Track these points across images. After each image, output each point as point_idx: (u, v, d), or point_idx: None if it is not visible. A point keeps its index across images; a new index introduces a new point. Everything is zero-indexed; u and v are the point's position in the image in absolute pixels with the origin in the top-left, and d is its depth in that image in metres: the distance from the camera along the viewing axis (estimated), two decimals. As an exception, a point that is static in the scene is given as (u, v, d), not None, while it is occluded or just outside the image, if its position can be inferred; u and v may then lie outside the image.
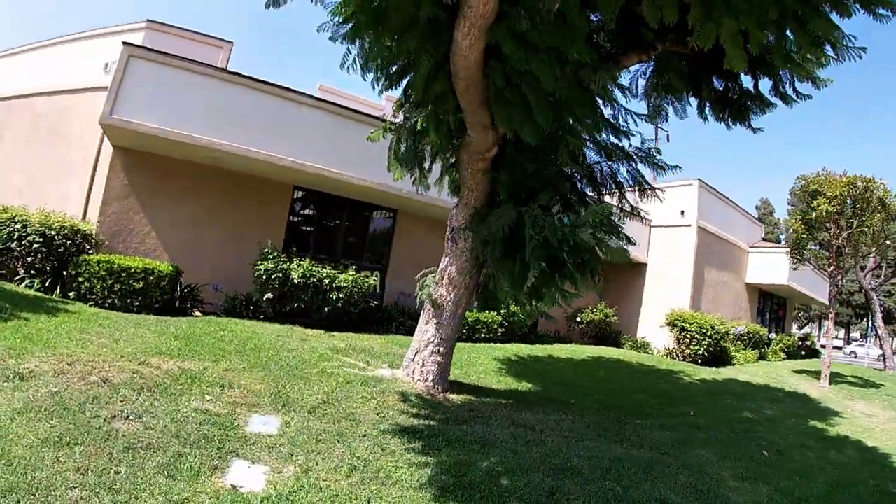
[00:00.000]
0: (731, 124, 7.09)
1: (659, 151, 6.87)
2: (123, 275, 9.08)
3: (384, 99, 16.92)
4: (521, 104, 5.13)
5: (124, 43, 9.72)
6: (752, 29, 4.46)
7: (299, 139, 10.75)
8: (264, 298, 10.26)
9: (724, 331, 17.15)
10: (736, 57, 4.71)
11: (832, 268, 15.97)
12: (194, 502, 3.57)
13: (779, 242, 34.95)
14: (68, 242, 9.51)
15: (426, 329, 7.05)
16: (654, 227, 19.57)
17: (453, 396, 7.10)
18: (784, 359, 22.99)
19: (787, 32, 4.91)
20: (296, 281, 10.25)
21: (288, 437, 4.87)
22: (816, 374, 17.89)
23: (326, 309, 10.69)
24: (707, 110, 7.05)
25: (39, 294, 8.93)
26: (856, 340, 68.84)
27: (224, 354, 7.02)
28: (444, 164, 7.19)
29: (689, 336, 16.57)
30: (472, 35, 4.76)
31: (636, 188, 7.23)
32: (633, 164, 7.00)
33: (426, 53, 5.03)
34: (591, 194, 7.24)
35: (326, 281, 10.61)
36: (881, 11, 4.69)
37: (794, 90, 6.40)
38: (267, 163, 10.54)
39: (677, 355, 17.11)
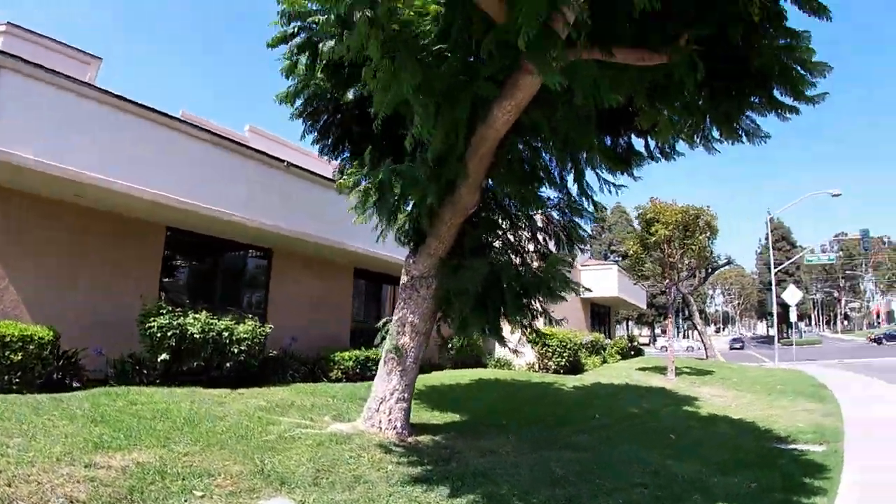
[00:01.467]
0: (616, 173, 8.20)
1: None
2: None
3: (247, 131, 16.69)
4: (523, 174, 5.81)
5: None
6: (683, 116, 5.57)
7: (172, 170, 10.07)
8: (159, 359, 9.39)
9: (578, 342, 19.19)
10: (664, 131, 5.78)
11: (667, 280, 19.10)
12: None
13: (606, 259, 40.27)
14: None
15: (390, 378, 7.34)
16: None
17: (419, 438, 7.50)
18: (619, 359, 26.39)
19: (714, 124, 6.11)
20: (196, 337, 9.59)
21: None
22: (658, 370, 20.78)
23: (228, 364, 10.18)
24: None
25: None
26: (660, 336, 79.31)
27: (163, 436, 6.52)
28: (408, 216, 7.38)
29: (551, 350, 18.29)
30: (511, 112, 5.32)
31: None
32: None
33: (460, 123, 5.43)
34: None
35: (226, 334, 10.06)
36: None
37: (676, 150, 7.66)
38: (153, 202, 9.74)
39: (540, 368, 18.83)
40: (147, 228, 11.05)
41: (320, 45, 7.07)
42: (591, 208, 7.60)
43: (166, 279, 11.58)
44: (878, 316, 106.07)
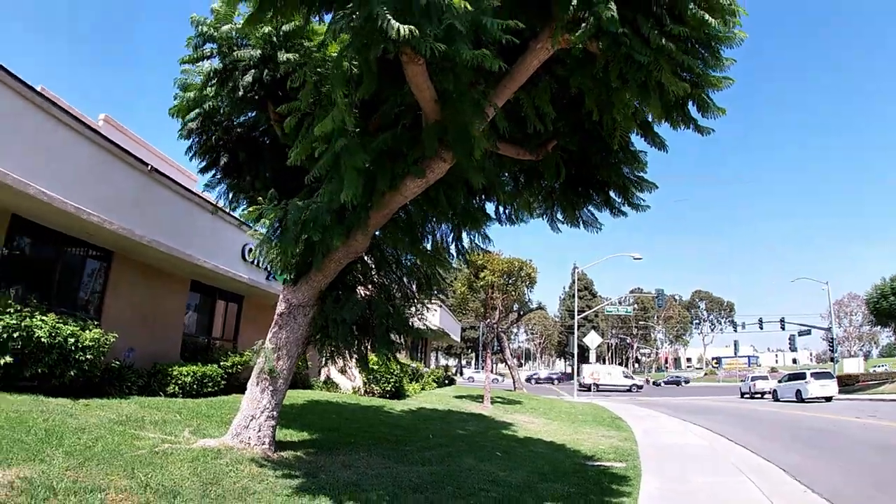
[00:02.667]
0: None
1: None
2: None
3: (101, 120, 16.14)
4: (411, 229, 7.08)
5: None
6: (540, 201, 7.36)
7: (33, 154, 9.60)
8: (1, 363, 8.92)
9: (404, 368, 20.75)
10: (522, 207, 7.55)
11: (487, 319, 22.20)
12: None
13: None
14: None
15: (261, 397, 8.06)
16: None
17: (283, 454, 8.27)
18: (436, 387, 28.37)
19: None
20: (44, 341, 9.33)
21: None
22: (472, 398, 22.99)
23: (72, 373, 9.97)
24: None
25: None
26: (466, 367, 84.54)
27: (33, 449, 6.45)
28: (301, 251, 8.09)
29: (378, 376, 19.60)
30: (421, 187, 6.55)
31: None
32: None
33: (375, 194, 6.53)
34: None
35: (72, 340, 9.86)
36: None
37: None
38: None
39: (366, 392, 20.07)
40: None
41: (236, 74, 7.87)
42: (453, 260, 9.07)
43: (2, 271, 10.78)
44: (665, 361, 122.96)
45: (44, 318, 9.70)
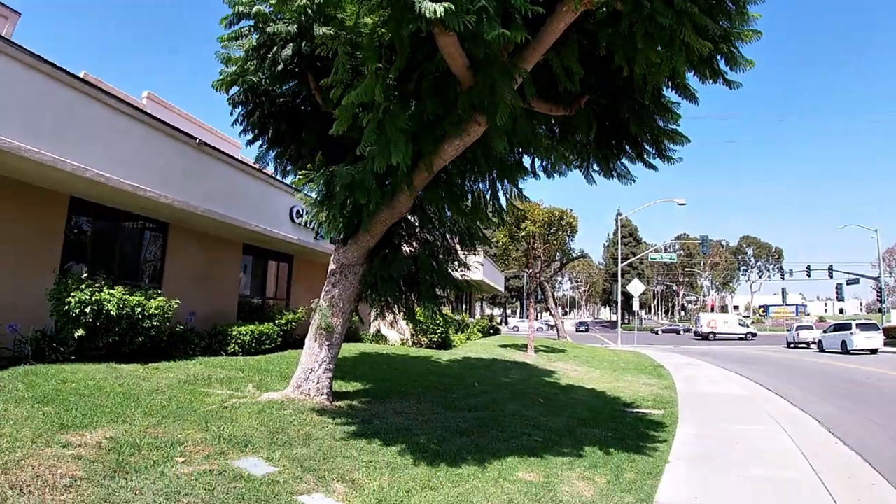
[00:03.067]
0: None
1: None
2: None
3: (144, 97, 16.81)
4: (450, 189, 7.50)
5: None
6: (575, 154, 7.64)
7: (90, 140, 10.07)
8: (76, 335, 9.67)
9: (449, 321, 21.42)
10: (558, 161, 7.87)
11: (529, 269, 22.54)
12: None
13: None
14: None
15: (318, 351, 8.71)
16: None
17: (340, 403, 8.97)
18: (481, 337, 29.09)
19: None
20: (113, 313, 10.05)
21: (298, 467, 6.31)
22: (517, 347, 23.65)
23: (140, 340, 10.79)
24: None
25: None
26: (510, 317, 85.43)
27: (114, 412, 7.04)
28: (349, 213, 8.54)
29: (425, 327, 20.29)
30: (459, 148, 6.98)
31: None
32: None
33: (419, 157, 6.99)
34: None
35: (138, 310, 10.61)
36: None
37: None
38: (60, 170, 9.49)
39: (414, 343, 20.83)
40: (50, 198, 10.98)
41: (275, 48, 8.29)
42: (493, 215, 9.47)
43: (67, 250, 11.47)
44: (712, 309, 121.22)
45: (112, 291, 10.38)
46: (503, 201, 9.21)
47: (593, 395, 13.03)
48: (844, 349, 33.72)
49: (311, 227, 16.25)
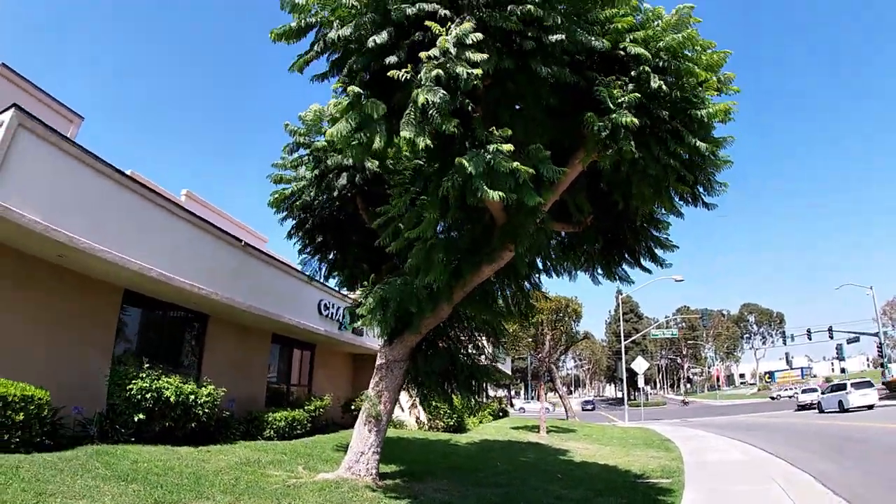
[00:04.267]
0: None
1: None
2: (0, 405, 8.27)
3: (183, 195, 18.45)
4: (484, 299, 9.06)
5: (16, 107, 8.93)
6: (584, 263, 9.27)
7: (153, 244, 11.50)
8: (136, 419, 10.69)
9: (464, 405, 22.62)
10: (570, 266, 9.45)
11: (540, 354, 24.10)
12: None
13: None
14: None
15: (368, 436, 9.96)
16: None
17: (386, 482, 10.10)
18: (492, 420, 29.98)
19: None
20: (171, 400, 11.22)
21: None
22: (528, 428, 24.65)
23: (192, 425, 11.93)
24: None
25: None
26: (515, 398, 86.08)
27: (195, 489, 8.01)
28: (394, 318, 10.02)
29: (441, 411, 21.41)
30: (493, 270, 8.62)
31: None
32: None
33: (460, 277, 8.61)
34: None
35: (192, 397, 11.79)
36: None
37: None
38: (125, 268, 10.70)
39: (431, 427, 21.83)
40: (107, 289, 12.01)
41: (331, 176, 9.98)
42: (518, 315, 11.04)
43: (118, 338, 12.59)
44: (718, 379, 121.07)
45: (168, 379, 11.57)
46: (525, 302, 10.74)
47: (606, 469, 14.16)
48: (842, 408, 34.90)
49: (337, 318, 17.86)
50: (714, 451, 17.51)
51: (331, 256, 12.43)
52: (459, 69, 5.66)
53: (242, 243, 14.33)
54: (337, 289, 18.02)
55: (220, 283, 13.33)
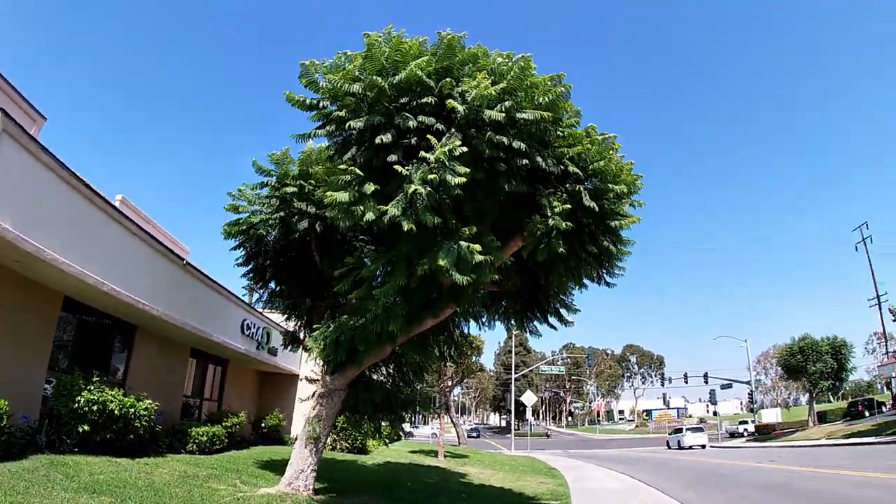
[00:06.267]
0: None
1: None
2: None
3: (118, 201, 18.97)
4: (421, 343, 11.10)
5: (2, 112, 9.04)
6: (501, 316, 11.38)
7: (100, 254, 12.03)
8: (80, 430, 11.31)
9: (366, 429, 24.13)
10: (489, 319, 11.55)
11: (441, 386, 25.98)
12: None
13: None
14: None
15: (307, 456, 11.45)
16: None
17: (321, 497, 11.58)
18: (388, 443, 31.59)
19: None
20: (116, 412, 12.00)
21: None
22: (425, 453, 26.72)
23: (131, 436, 12.74)
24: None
25: None
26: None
27: (157, 501, 8.88)
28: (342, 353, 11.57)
29: (345, 433, 22.94)
30: (436, 321, 10.61)
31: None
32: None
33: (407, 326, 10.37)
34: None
35: (132, 410, 12.56)
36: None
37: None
38: (79, 279, 11.16)
39: (333, 448, 23.27)
40: (48, 295, 12.27)
41: (293, 220, 11.57)
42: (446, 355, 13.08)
43: (55, 346, 12.74)
44: (598, 414, 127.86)
45: (112, 392, 12.20)
46: (454, 347, 12.80)
47: (503, 492, 16.41)
48: (679, 446, 46.63)
49: (256, 338, 19.10)
50: (595, 480, 20.31)
51: (273, 286, 13.95)
52: (448, 176, 7.62)
53: (184, 262, 15.41)
54: (260, 310, 19.36)
55: (159, 298, 14.23)
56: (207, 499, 9.95)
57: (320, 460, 11.82)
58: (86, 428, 11.55)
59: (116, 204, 18.85)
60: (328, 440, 23.80)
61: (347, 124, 8.31)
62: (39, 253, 9.97)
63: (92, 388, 11.85)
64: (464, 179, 7.76)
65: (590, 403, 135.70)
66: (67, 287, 12.24)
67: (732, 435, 65.93)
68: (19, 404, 10.76)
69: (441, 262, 7.91)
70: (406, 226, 7.79)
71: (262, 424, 22.40)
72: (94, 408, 11.60)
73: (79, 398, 11.43)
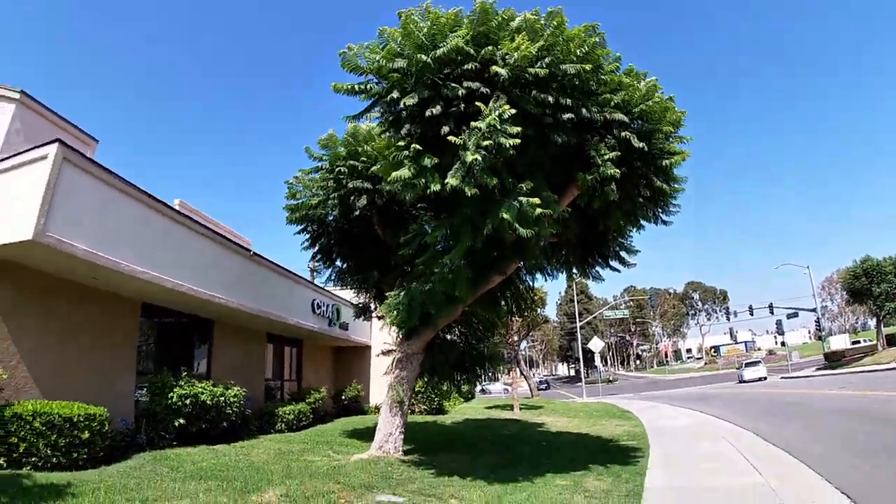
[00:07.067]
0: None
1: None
2: (67, 426, 8.89)
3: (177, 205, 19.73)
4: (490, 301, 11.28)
5: (60, 142, 9.55)
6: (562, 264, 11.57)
7: (179, 261, 12.65)
8: (176, 424, 11.99)
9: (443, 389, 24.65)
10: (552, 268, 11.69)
11: (509, 339, 26.09)
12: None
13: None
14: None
15: (393, 419, 11.97)
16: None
17: (410, 457, 12.11)
18: (464, 402, 32.21)
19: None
20: (208, 403, 12.72)
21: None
22: (500, 407, 27.22)
23: (224, 424, 13.48)
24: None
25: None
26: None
27: (261, 479, 9.19)
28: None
29: (423, 396, 23.47)
30: (501, 279, 10.85)
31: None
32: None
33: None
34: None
35: (222, 399, 13.28)
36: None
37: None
38: (155, 285, 11.72)
39: (413, 412, 23.86)
40: (127, 304, 12.91)
41: (352, 198, 11.89)
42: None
43: (140, 350, 13.56)
44: (665, 355, 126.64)
45: (202, 385, 12.88)
46: (520, 301, 13.04)
47: (581, 437, 16.77)
48: (741, 380, 48.49)
49: (327, 315, 19.68)
50: (669, 418, 20.48)
51: (339, 264, 14.42)
52: (502, 139, 7.80)
53: (251, 253, 15.97)
54: (327, 289, 19.95)
55: (233, 290, 14.90)
56: (305, 470, 10.39)
57: (405, 423, 12.29)
58: (181, 421, 12.16)
59: (176, 208, 19.75)
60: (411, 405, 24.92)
61: (402, 102, 8.52)
62: (116, 266, 10.50)
63: (182, 383, 12.51)
64: (517, 140, 7.92)
65: (656, 345, 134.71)
66: (145, 294, 12.82)
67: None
68: (116, 409, 11.27)
69: (505, 216, 8.14)
70: (469, 192, 8.05)
71: (343, 397, 23.24)
72: (188, 401, 12.23)
73: (171, 394, 12.07)
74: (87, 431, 9.14)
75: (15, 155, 9.96)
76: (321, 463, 11.37)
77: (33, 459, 8.52)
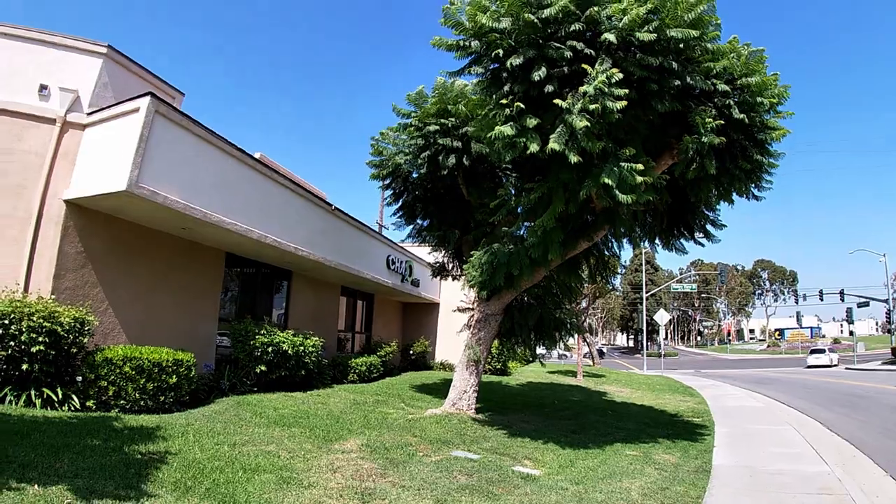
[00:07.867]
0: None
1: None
2: (156, 370, 9.21)
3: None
4: (572, 266, 11.27)
5: (152, 95, 9.66)
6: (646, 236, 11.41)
7: (266, 213, 12.81)
8: (257, 370, 12.34)
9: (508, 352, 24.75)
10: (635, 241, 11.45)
11: (577, 306, 25.82)
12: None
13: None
14: (74, 338, 8.69)
15: (468, 377, 12.14)
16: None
17: (482, 416, 12.29)
18: (525, 365, 32.30)
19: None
20: (289, 352, 13.05)
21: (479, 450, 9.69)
22: (563, 373, 27.25)
23: (302, 372, 13.78)
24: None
25: (51, 413, 8.01)
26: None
27: (341, 427, 9.62)
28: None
29: (488, 356, 23.62)
30: (587, 244, 10.93)
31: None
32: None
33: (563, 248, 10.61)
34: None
35: (301, 349, 13.56)
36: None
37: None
38: (254, 240, 12.17)
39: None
40: (212, 254, 13.31)
41: (441, 157, 11.90)
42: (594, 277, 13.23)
43: (223, 298, 14.15)
44: (728, 333, 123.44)
45: (283, 334, 13.12)
46: (604, 268, 12.89)
47: (645, 409, 16.63)
48: (805, 366, 49.06)
49: (401, 272, 19.95)
50: (733, 398, 20.04)
51: (420, 221, 14.65)
52: (609, 103, 7.65)
53: (333, 207, 16.22)
54: (402, 245, 20.22)
55: (314, 243, 15.06)
56: (382, 422, 10.74)
57: (480, 382, 12.44)
58: (262, 368, 12.50)
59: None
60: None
61: (508, 62, 8.33)
62: (206, 218, 10.68)
63: (264, 331, 12.80)
64: (625, 103, 7.72)
65: (719, 322, 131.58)
66: (229, 244, 13.11)
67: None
68: (200, 355, 11.73)
69: (606, 180, 8.02)
70: (573, 158, 7.94)
71: (410, 352, 23.72)
72: (269, 349, 12.54)
73: (253, 342, 12.41)
74: (174, 376, 9.46)
75: (107, 108, 10.17)
76: (396, 415, 11.65)
77: (121, 402, 8.88)
